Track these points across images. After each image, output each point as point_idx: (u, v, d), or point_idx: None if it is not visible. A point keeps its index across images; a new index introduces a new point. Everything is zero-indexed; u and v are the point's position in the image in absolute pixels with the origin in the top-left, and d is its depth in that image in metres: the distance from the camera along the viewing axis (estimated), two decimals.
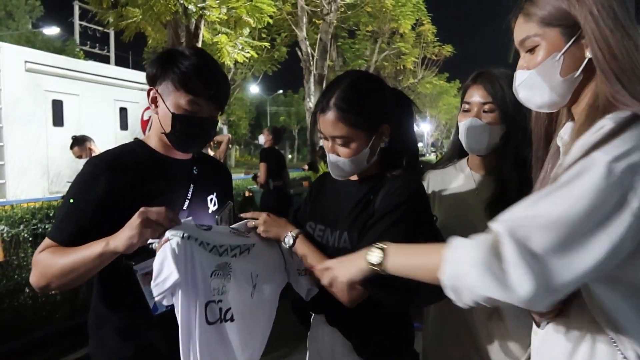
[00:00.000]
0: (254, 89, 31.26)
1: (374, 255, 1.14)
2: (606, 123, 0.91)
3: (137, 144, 1.55)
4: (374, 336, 1.41)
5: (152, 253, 1.27)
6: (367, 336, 1.41)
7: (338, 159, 1.40)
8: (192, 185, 1.52)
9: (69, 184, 1.44)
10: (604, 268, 0.85)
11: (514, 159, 1.56)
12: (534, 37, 1.04)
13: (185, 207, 1.48)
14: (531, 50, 1.06)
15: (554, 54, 1.02)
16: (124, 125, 11.80)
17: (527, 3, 1.07)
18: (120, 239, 1.23)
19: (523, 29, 1.07)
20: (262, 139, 6.23)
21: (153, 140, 1.52)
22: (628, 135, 0.87)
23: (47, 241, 1.38)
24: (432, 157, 35.14)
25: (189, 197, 1.50)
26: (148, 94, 1.47)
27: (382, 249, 1.13)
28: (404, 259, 1.11)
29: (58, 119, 10.19)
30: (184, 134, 1.45)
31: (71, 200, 1.38)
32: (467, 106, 1.66)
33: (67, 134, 6.84)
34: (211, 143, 6.13)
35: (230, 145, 6.91)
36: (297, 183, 9.68)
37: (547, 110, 1.12)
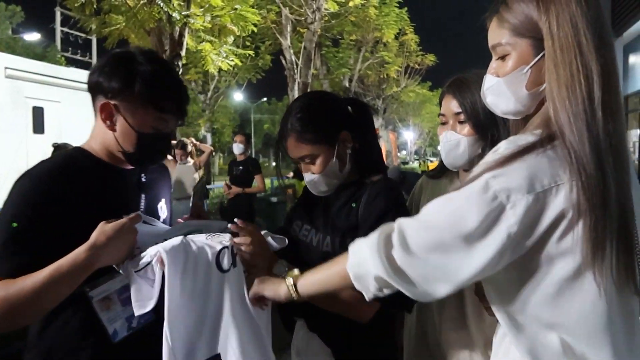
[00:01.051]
0: (238, 96, 31.19)
1: (284, 288, 1.23)
2: (504, 146, 0.94)
3: (79, 152, 1.35)
4: (353, 343, 1.42)
5: (107, 277, 1.23)
6: (347, 342, 1.42)
7: (312, 176, 1.46)
8: (143, 195, 1.41)
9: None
10: (461, 275, 0.93)
11: None
12: (506, 46, 1.03)
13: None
14: (502, 57, 1.05)
15: (522, 66, 1.01)
16: None
17: (502, 6, 1.04)
18: (107, 258, 1.16)
19: (496, 34, 1.05)
20: (239, 148, 6.04)
21: (96, 148, 1.34)
22: (518, 164, 0.90)
23: None
24: (415, 164, 35.36)
25: (142, 208, 1.39)
26: (101, 109, 1.27)
27: (291, 278, 1.22)
28: (311, 278, 1.19)
29: (39, 126, 10.04)
30: (148, 153, 1.34)
31: (14, 224, 1.15)
32: (443, 118, 1.57)
33: (48, 141, 6.75)
34: (194, 150, 6.08)
35: (213, 154, 6.86)
36: (282, 191, 9.66)
37: (512, 117, 1.12)
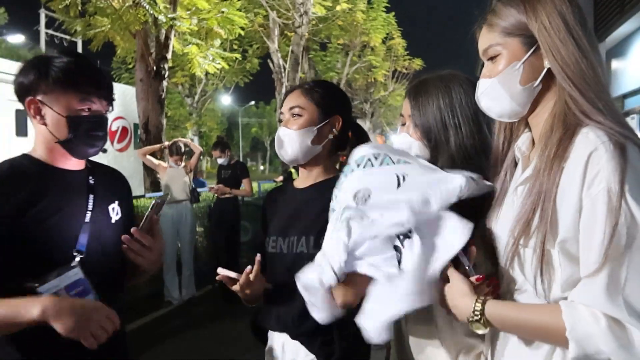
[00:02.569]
0: (225, 100, 31.09)
1: (474, 326, 1.05)
2: (601, 156, 0.91)
3: (23, 157, 1.40)
4: (335, 348, 1.42)
5: (57, 272, 1.25)
6: (330, 348, 1.42)
7: (286, 131, 1.49)
8: (91, 196, 1.42)
9: None
10: None
11: None
12: (496, 47, 1.07)
13: (87, 219, 1.38)
14: (493, 58, 1.09)
15: (514, 62, 1.05)
16: (21, 129, 11.49)
17: (490, 13, 1.10)
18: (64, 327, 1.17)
19: (486, 38, 1.10)
20: (222, 160, 6.04)
21: (40, 152, 1.39)
22: (631, 167, 0.90)
23: None
24: None
25: (90, 209, 1.40)
26: (29, 107, 1.35)
27: (480, 314, 1.03)
28: (508, 312, 1.03)
29: (22, 129, 9.89)
30: (84, 137, 1.36)
31: None
32: (402, 119, 1.54)
33: (32, 144, 6.63)
34: (182, 155, 6.03)
35: (201, 157, 6.81)
36: None
37: (507, 119, 1.14)
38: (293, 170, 10.24)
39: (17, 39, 25.34)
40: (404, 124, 1.52)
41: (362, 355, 1.50)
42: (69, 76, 1.33)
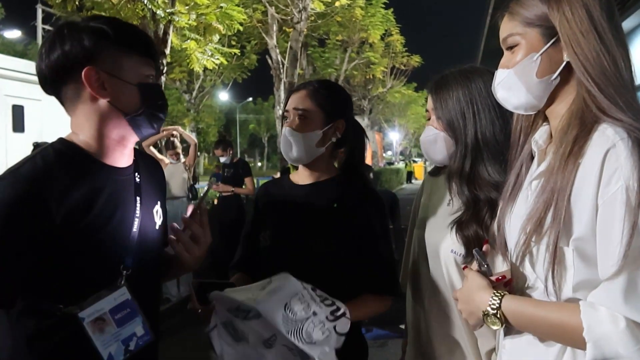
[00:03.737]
0: (223, 96, 31.05)
1: (489, 322, 1.04)
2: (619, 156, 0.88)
3: (67, 146, 1.15)
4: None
5: (98, 295, 1.10)
6: None
7: (293, 132, 1.50)
8: (138, 199, 1.21)
9: None
10: None
11: (460, 173, 1.47)
12: (515, 36, 1.05)
13: (135, 227, 1.18)
14: (511, 48, 1.06)
15: (532, 54, 1.03)
16: (18, 126, 11.47)
17: (513, 2, 1.08)
18: None
19: (507, 27, 1.08)
20: (224, 159, 6.02)
21: (87, 140, 1.15)
22: None
23: None
24: (401, 165, 35.50)
25: (138, 215, 1.19)
26: (87, 79, 1.08)
27: (497, 309, 1.02)
28: (524, 309, 1.01)
29: (19, 125, 9.84)
30: (156, 108, 1.18)
31: None
32: (427, 114, 1.62)
33: (28, 140, 6.59)
34: (179, 150, 5.99)
35: (198, 153, 6.79)
36: None
37: (524, 112, 1.11)
38: (291, 167, 10.24)
39: (13, 34, 25.22)
40: (429, 119, 1.58)
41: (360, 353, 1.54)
42: (132, 38, 1.14)
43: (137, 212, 1.20)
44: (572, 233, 0.94)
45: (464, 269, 1.16)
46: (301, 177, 1.61)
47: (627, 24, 7.60)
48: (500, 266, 1.23)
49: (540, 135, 1.14)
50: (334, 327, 1.25)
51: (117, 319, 1.12)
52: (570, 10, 0.99)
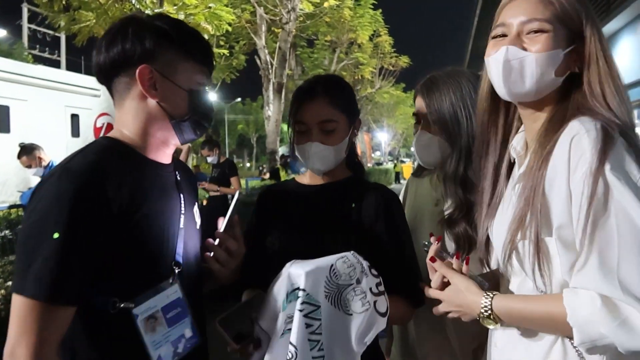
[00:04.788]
0: (211, 96, 30.88)
1: (485, 322, 1.07)
2: (584, 142, 0.92)
3: (113, 142, 1.12)
4: None
5: (154, 290, 1.05)
6: None
7: (323, 147, 1.34)
8: (181, 196, 1.20)
9: (21, 194, 1.15)
10: None
11: (454, 176, 1.49)
12: (546, 23, 1.01)
13: (182, 224, 1.16)
14: (535, 32, 1.02)
15: (558, 49, 1.01)
16: (75, 133, 11.38)
17: None
18: None
19: (537, 9, 1.02)
20: (211, 159, 6.00)
21: (133, 136, 1.13)
22: (614, 151, 0.90)
23: (24, 309, 0.92)
24: (389, 165, 35.61)
25: (183, 212, 1.18)
26: (140, 77, 1.07)
27: (489, 309, 1.04)
28: (513, 305, 1.03)
29: (4, 125, 9.73)
30: (201, 115, 1.16)
31: (55, 235, 0.92)
32: (416, 117, 1.61)
33: (14, 140, 6.53)
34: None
35: (193, 155, 6.77)
36: (256, 192, 9.60)
37: (515, 100, 1.10)
38: (280, 167, 10.23)
39: None
40: (418, 122, 1.58)
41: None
42: (193, 44, 1.13)
43: (182, 208, 1.18)
44: (553, 223, 0.97)
45: (431, 260, 1.16)
46: (312, 178, 1.47)
47: (611, 26, 7.73)
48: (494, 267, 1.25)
49: (517, 142, 1.15)
50: (375, 303, 1.15)
51: (168, 318, 1.06)
52: (597, 30, 1.03)
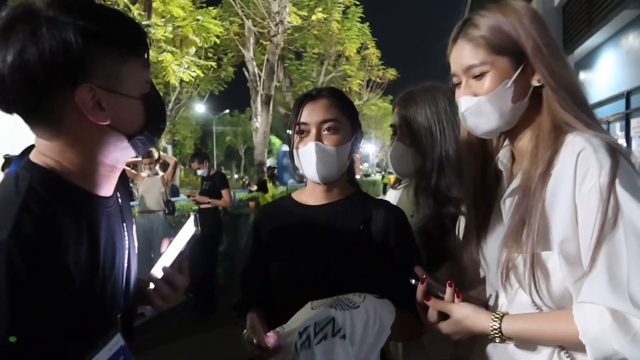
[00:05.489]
0: (200, 108, 30.82)
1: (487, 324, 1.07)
2: (589, 157, 0.92)
3: (48, 176, 0.84)
4: None
5: (96, 349, 0.84)
6: None
7: (325, 147, 1.29)
8: (125, 226, 0.99)
9: None
10: None
11: (426, 188, 1.50)
12: (482, 65, 1.04)
13: (126, 262, 0.98)
14: (478, 76, 1.06)
15: (505, 81, 1.03)
16: None
17: (470, 27, 1.07)
18: None
19: (468, 55, 1.06)
20: (201, 172, 5.99)
21: (73, 171, 0.86)
22: (621, 165, 0.91)
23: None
24: (377, 177, 35.72)
25: (127, 246, 0.99)
26: (82, 101, 0.81)
27: (498, 331, 1.05)
28: (523, 325, 1.03)
29: None
30: (160, 121, 0.95)
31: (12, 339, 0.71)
32: (393, 128, 1.63)
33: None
34: (159, 163, 5.92)
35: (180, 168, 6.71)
36: (244, 204, 9.57)
37: (491, 136, 1.14)
38: (267, 179, 10.20)
39: None
40: (395, 134, 1.61)
41: None
42: (124, 32, 0.86)
43: (127, 242, 0.98)
44: (553, 238, 0.97)
45: (426, 300, 1.15)
46: (313, 197, 1.39)
47: (593, 41, 7.86)
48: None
49: (504, 155, 1.17)
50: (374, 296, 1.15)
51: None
52: (537, 37, 1.02)
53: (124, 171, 1.25)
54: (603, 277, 0.89)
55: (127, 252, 0.98)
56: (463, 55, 1.07)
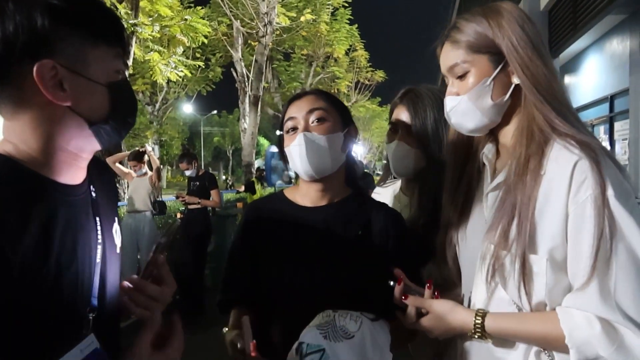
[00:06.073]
0: (187, 108, 30.62)
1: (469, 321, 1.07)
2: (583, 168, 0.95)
3: (5, 164, 0.82)
4: None
5: (63, 349, 0.82)
6: None
7: (314, 136, 1.25)
8: (97, 219, 0.94)
9: None
10: None
11: (431, 187, 1.49)
12: (463, 64, 1.09)
13: (98, 257, 0.93)
14: (461, 76, 1.10)
15: (484, 79, 1.07)
16: None
17: (453, 30, 1.11)
18: None
19: (451, 56, 1.11)
20: (189, 173, 5.96)
21: (31, 155, 0.84)
22: (610, 175, 0.94)
23: None
24: None
25: (100, 241, 0.93)
26: (41, 75, 0.79)
27: (480, 329, 1.05)
28: (507, 325, 1.04)
29: None
30: (127, 113, 0.93)
31: None
32: (393, 127, 1.60)
33: None
34: (141, 160, 5.86)
35: (161, 167, 6.66)
36: (232, 204, 9.53)
37: (478, 134, 1.16)
38: (255, 180, 10.18)
39: None
40: (395, 132, 1.57)
41: None
42: (99, 18, 0.86)
43: (99, 237, 0.94)
44: (540, 242, 0.99)
45: (404, 298, 1.16)
46: (309, 197, 1.33)
47: (578, 45, 7.97)
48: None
49: (489, 150, 1.19)
50: (369, 318, 1.14)
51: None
52: (514, 37, 1.05)
53: (111, 169, 1.18)
54: (594, 286, 0.92)
55: (99, 247, 0.93)
56: (447, 56, 1.12)
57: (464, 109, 1.10)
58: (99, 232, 0.94)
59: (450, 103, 1.12)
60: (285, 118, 1.31)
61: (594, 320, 0.92)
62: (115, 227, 1.04)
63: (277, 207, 1.36)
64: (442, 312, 1.11)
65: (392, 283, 1.19)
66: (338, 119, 1.31)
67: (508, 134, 1.13)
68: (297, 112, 1.29)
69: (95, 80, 0.85)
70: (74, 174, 0.91)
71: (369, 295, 1.22)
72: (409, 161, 1.54)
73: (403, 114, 1.56)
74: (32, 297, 0.78)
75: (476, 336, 1.06)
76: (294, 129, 1.29)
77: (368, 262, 1.26)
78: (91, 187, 0.96)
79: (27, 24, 0.78)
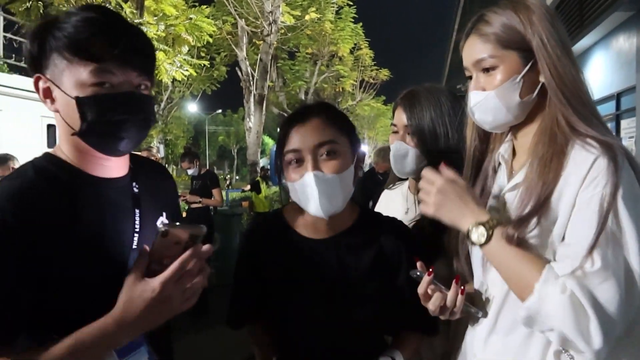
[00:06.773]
0: (192, 107, 30.75)
1: (478, 233, 1.03)
2: (600, 165, 0.95)
3: (49, 161, 1.01)
4: None
5: None
6: None
7: (326, 176, 1.13)
8: (137, 211, 1.06)
9: None
10: None
11: None
12: (491, 59, 1.06)
13: (134, 244, 1.03)
14: (488, 70, 1.08)
15: (514, 76, 1.05)
16: (52, 143, 11.17)
17: (481, 23, 1.09)
18: (138, 331, 0.92)
19: (478, 49, 1.08)
20: (192, 172, 5.96)
21: (67, 150, 1.02)
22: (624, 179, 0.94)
23: None
24: None
25: (137, 230, 1.05)
26: (35, 87, 0.98)
27: (490, 228, 1.01)
28: (509, 249, 1.00)
29: (52, 142, 9.56)
30: (102, 125, 0.95)
31: None
32: (394, 127, 1.63)
33: None
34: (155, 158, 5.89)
35: (165, 166, 6.67)
36: (237, 203, 9.55)
37: (500, 130, 1.15)
38: (260, 179, 10.18)
39: None
40: (396, 132, 1.61)
41: None
42: (74, 38, 0.93)
43: (137, 226, 1.04)
44: (557, 240, 1.00)
45: (430, 274, 1.12)
46: (315, 230, 1.26)
47: (585, 42, 7.92)
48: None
49: (505, 150, 1.18)
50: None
51: (118, 350, 0.95)
52: (545, 36, 1.03)
53: (171, 176, 1.30)
54: (588, 268, 0.93)
55: (136, 235, 1.05)
56: (474, 49, 1.10)
57: (491, 105, 1.08)
58: (137, 222, 1.05)
59: (476, 98, 1.10)
60: (288, 147, 1.17)
61: (568, 288, 0.92)
62: (162, 219, 1.15)
63: (282, 237, 1.28)
64: (459, 187, 1.06)
65: (418, 273, 1.12)
66: (347, 146, 1.20)
67: (528, 133, 1.12)
68: (302, 143, 1.15)
69: (67, 93, 0.95)
70: (104, 169, 1.04)
71: (387, 319, 1.24)
72: (408, 161, 1.57)
73: (401, 115, 1.60)
74: (61, 262, 0.92)
75: (474, 235, 1.03)
76: (299, 161, 1.17)
77: (383, 289, 1.23)
78: (134, 183, 1.10)
79: (30, 43, 0.98)
